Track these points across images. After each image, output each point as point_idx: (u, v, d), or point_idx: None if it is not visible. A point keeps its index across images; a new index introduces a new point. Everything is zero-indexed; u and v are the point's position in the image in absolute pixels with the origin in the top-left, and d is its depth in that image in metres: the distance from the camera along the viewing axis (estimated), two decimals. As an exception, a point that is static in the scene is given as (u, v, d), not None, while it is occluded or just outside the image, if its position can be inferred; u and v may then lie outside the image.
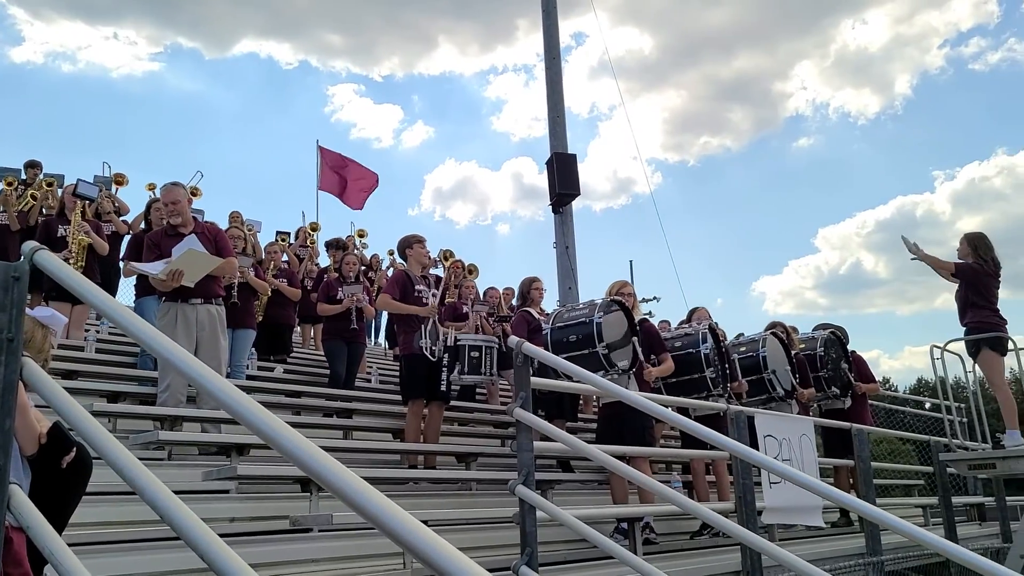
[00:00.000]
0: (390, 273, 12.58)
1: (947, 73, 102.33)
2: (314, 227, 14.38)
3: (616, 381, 6.27)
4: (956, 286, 6.99)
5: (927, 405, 10.45)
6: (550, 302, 12.47)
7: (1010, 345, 6.92)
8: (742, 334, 9.76)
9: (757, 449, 5.65)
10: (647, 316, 6.83)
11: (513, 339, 3.79)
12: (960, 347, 6.89)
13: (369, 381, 9.72)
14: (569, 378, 4.74)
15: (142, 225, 9.11)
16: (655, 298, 42.61)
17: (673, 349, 7.01)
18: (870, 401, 9.99)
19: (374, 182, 17.56)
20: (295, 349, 10.56)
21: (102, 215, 10.06)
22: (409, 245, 7.11)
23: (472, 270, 13.86)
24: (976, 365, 6.84)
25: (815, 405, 8.88)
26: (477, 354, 6.62)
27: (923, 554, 6.86)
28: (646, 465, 6.38)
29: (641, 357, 6.33)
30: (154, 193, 11.26)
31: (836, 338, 9.02)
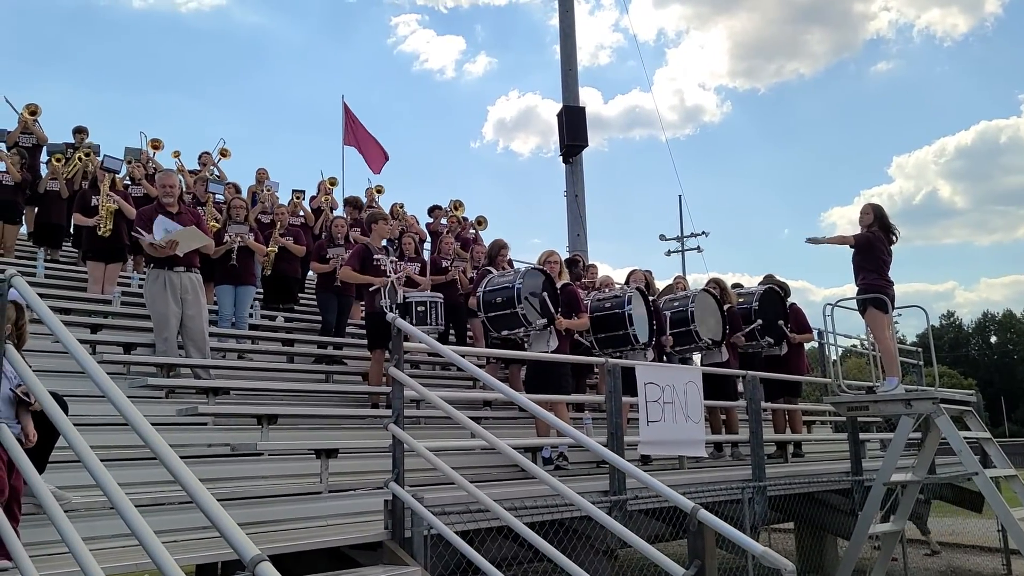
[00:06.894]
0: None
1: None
2: (332, 182, 15.77)
3: (537, 335, 7.53)
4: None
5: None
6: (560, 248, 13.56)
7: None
8: (739, 285, 10.82)
9: (635, 395, 6.80)
10: (569, 283, 8.01)
11: (390, 316, 5.00)
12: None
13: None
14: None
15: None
16: (704, 233, 43.26)
17: (603, 309, 8.17)
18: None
19: (383, 158, 18.54)
20: (303, 297, 11.96)
21: (135, 180, 11.52)
22: (374, 221, 8.42)
23: (481, 221, 15.19)
24: (864, 321, 7.82)
25: (750, 352, 9.98)
26: (423, 308, 7.84)
27: (802, 483, 8.01)
28: (563, 407, 7.60)
29: (557, 314, 7.47)
30: (179, 160, 12.70)
31: (775, 292, 10.03)
